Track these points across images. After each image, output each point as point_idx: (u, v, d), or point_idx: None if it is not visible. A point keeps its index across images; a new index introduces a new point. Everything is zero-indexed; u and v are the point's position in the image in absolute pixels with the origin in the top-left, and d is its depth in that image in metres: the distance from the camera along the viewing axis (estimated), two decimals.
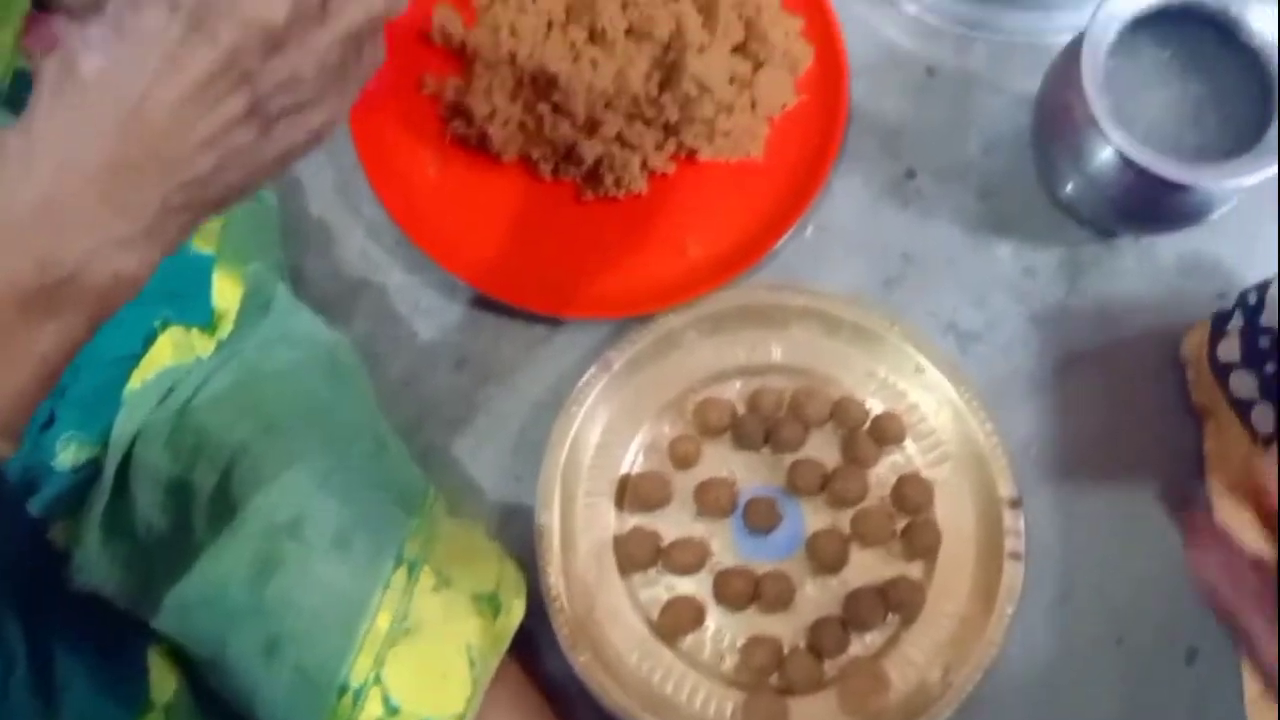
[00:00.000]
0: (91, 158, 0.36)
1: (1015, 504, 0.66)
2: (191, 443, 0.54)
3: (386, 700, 0.54)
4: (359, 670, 0.54)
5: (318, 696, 0.54)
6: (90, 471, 0.53)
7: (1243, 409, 0.64)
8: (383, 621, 0.54)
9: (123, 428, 0.53)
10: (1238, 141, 0.62)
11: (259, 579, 0.54)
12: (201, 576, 0.54)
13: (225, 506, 0.54)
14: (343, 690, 0.54)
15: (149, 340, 0.55)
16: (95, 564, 0.53)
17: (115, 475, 0.53)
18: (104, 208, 0.36)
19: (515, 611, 0.60)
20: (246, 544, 0.54)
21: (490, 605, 0.59)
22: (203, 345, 0.57)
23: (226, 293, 0.59)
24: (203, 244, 0.60)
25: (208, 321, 0.58)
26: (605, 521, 0.68)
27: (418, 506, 0.60)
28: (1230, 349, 0.64)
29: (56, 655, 0.52)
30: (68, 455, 0.52)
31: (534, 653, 0.66)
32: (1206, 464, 0.69)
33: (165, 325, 0.54)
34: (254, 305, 0.60)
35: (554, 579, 0.65)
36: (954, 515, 0.67)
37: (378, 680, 0.54)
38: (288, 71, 0.38)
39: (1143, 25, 0.63)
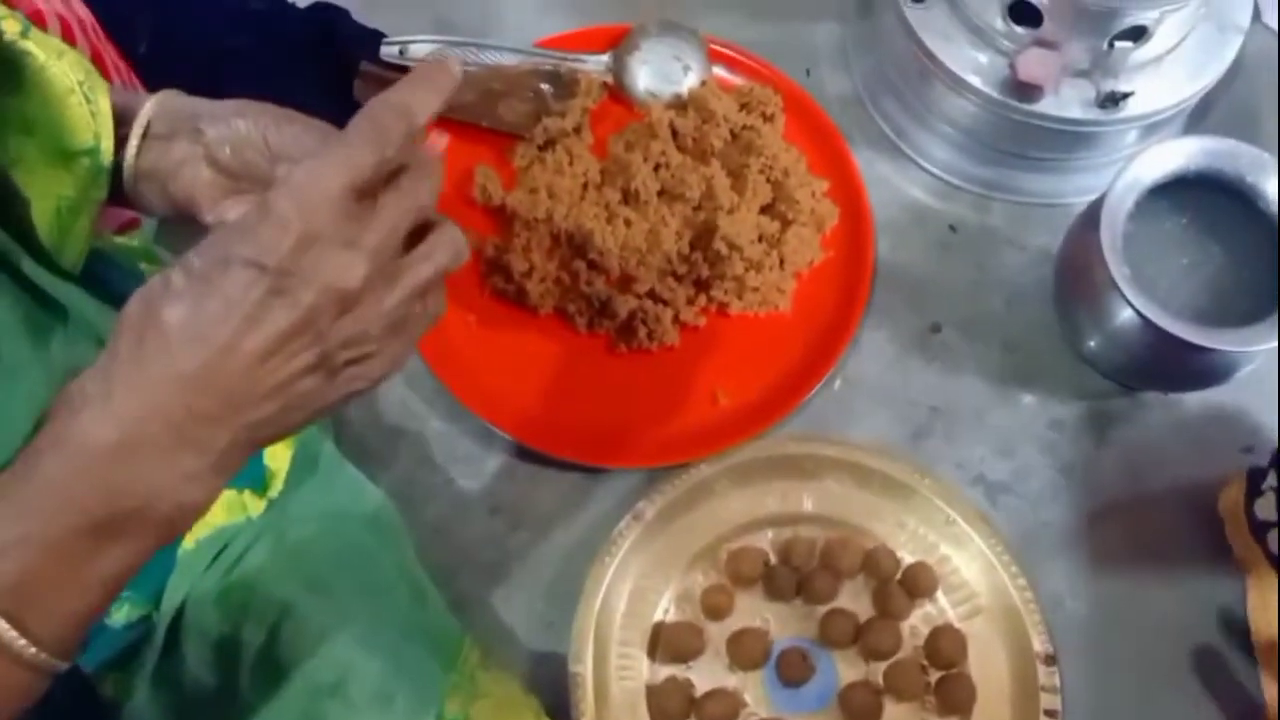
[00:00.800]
0: (169, 405, 0.38)
1: (1050, 660, 0.66)
2: (240, 600, 0.55)
3: None
4: None
5: None
6: (142, 629, 0.54)
7: None
8: None
9: (176, 588, 0.54)
10: (1257, 304, 0.64)
11: None
12: None
13: (272, 666, 0.55)
14: None
15: None
16: (144, 717, 0.54)
17: (166, 632, 0.54)
18: (176, 448, 0.38)
19: None
20: (292, 704, 0.54)
21: None
22: (254, 505, 0.59)
23: (278, 453, 0.60)
24: None
25: (260, 482, 0.60)
26: (638, 671, 0.68)
27: (453, 658, 0.60)
28: (1268, 508, 0.65)
29: None
30: (121, 614, 0.53)
31: None
32: (1250, 615, 0.68)
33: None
34: (303, 463, 0.61)
35: None
36: (988, 670, 0.67)
37: None
38: (357, 329, 0.40)
39: (1161, 192, 0.66)
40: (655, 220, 0.79)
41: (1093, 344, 0.72)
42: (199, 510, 0.40)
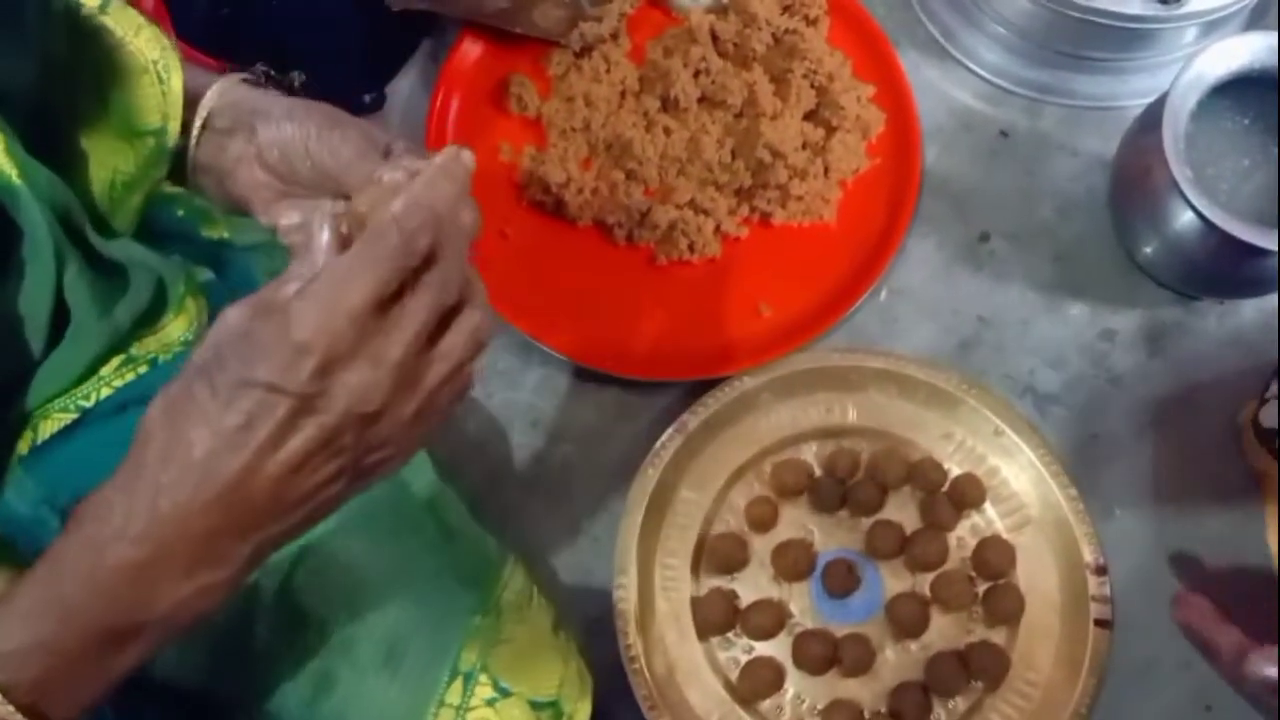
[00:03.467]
0: (192, 528, 0.38)
1: (1101, 570, 0.65)
2: None
3: None
4: None
5: None
6: None
7: None
8: None
9: None
10: None
11: (315, 699, 0.54)
12: (264, 686, 0.54)
13: (285, 611, 0.54)
14: None
15: None
16: (166, 658, 0.54)
17: None
18: (197, 567, 0.39)
19: (579, 718, 0.58)
20: (304, 660, 0.54)
21: (551, 713, 0.57)
22: None
23: None
24: None
25: None
26: (683, 584, 0.68)
27: (488, 592, 0.59)
28: (1270, 415, 0.64)
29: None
30: None
31: (611, 712, 0.65)
32: (1267, 526, 0.68)
33: None
34: None
35: (632, 640, 0.65)
36: (1037, 580, 0.67)
37: None
38: (379, 439, 0.40)
39: (1223, 91, 0.64)
40: (695, 128, 0.77)
41: (1149, 250, 0.70)
42: (212, 614, 0.41)
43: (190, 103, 0.53)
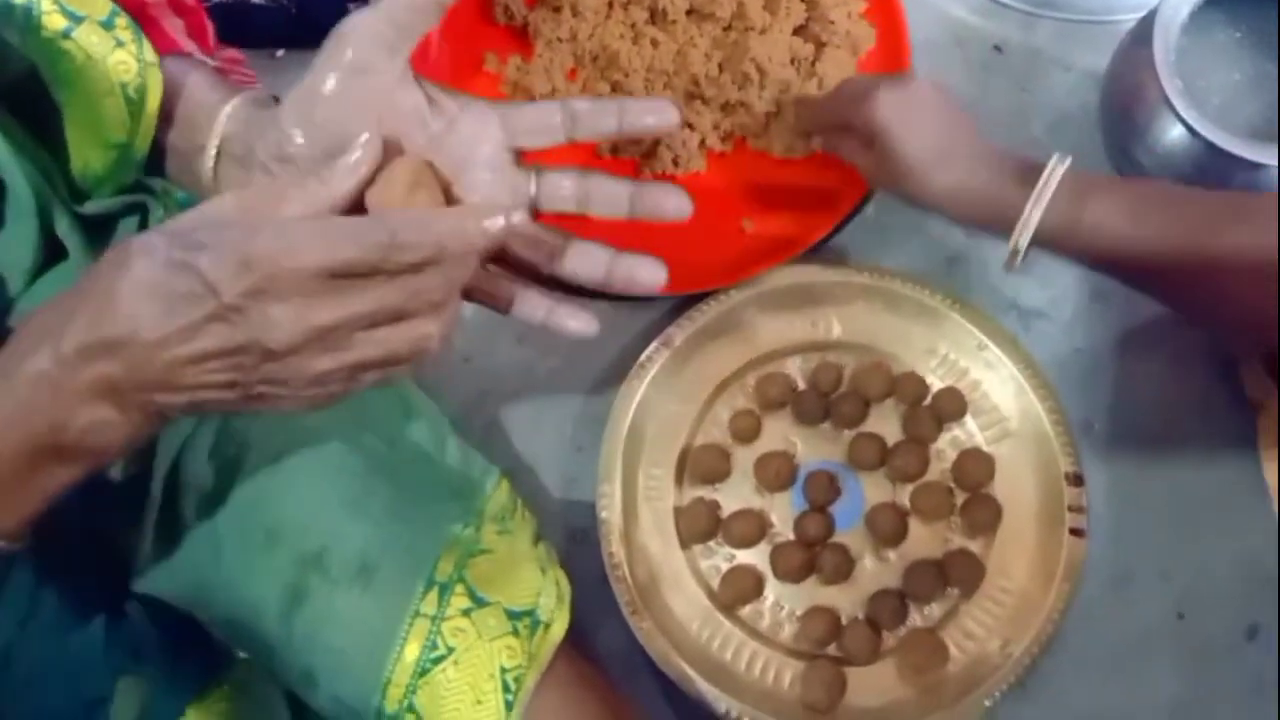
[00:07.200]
0: (99, 364, 0.42)
1: (1077, 480, 0.66)
2: (233, 454, 0.55)
3: None
4: (391, 700, 0.54)
5: (358, 718, 0.55)
6: (144, 484, 0.53)
7: None
8: (410, 653, 0.54)
9: (170, 440, 0.54)
10: None
11: (289, 613, 0.54)
12: (240, 599, 0.54)
13: (255, 522, 0.54)
14: (379, 715, 0.54)
15: None
16: (150, 573, 0.55)
17: (164, 487, 0.54)
18: (96, 399, 0.42)
19: (556, 627, 0.58)
20: (278, 573, 0.54)
21: (527, 622, 0.57)
22: None
23: None
24: None
25: None
26: (666, 492, 0.69)
27: (469, 505, 0.60)
28: None
29: (140, 626, 0.54)
30: (118, 468, 0.52)
31: (594, 624, 0.67)
32: (1261, 454, 0.69)
33: None
34: None
35: (615, 547, 0.66)
36: (1014, 491, 0.68)
37: (411, 708, 0.54)
38: (278, 375, 0.43)
39: (1215, 4, 0.63)
40: (683, 41, 0.76)
41: (1139, 166, 0.70)
42: (120, 450, 0.44)
43: (201, 124, 0.53)
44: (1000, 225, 0.58)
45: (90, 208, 0.54)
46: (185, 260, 0.41)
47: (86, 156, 0.53)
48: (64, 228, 0.52)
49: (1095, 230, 0.56)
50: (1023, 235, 0.57)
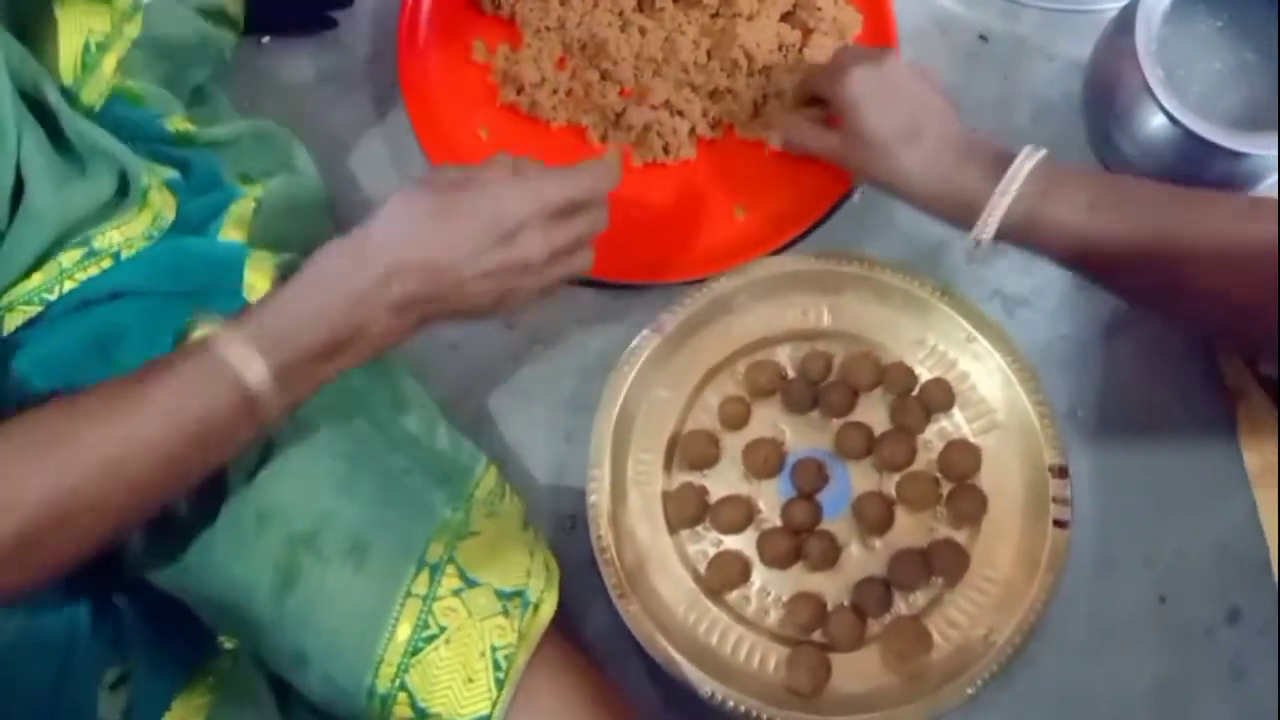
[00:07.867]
0: (392, 282, 0.53)
1: (1061, 472, 0.67)
2: None
3: (413, 704, 0.55)
4: (383, 679, 0.55)
5: (349, 700, 0.55)
6: None
7: (1272, 388, 0.64)
8: (402, 633, 0.55)
9: None
10: None
11: (281, 594, 0.55)
12: (231, 580, 0.55)
13: (251, 504, 0.55)
14: (370, 694, 0.55)
15: (179, 340, 0.53)
16: (141, 557, 0.55)
17: None
18: (398, 311, 0.54)
19: (545, 607, 0.59)
20: (269, 553, 0.55)
21: (517, 602, 0.58)
22: None
23: (258, 285, 0.59)
24: (234, 232, 0.61)
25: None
26: (655, 477, 0.69)
27: (461, 488, 0.61)
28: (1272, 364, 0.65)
29: (126, 618, 0.54)
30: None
31: (582, 607, 0.67)
32: (1241, 441, 0.69)
33: (194, 324, 0.53)
34: None
35: (603, 531, 0.66)
36: (1000, 482, 0.68)
37: (403, 687, 0.55)
38: (525, 285, 0.58)
39: None
40: (671, 28, 0.76)
41: (1121, 154, 0.70)
42: (389, 346, 0.55)
43: None
44: (963, 215, 0.58)
45: (79, 127, 0.56)
46: (489, 187, 0.54)
47: (89, 22, 0.57)
48: (29, 148, 0.53)
49: (1058, 226, 0.56)
50: (985, 228, 0.57)
